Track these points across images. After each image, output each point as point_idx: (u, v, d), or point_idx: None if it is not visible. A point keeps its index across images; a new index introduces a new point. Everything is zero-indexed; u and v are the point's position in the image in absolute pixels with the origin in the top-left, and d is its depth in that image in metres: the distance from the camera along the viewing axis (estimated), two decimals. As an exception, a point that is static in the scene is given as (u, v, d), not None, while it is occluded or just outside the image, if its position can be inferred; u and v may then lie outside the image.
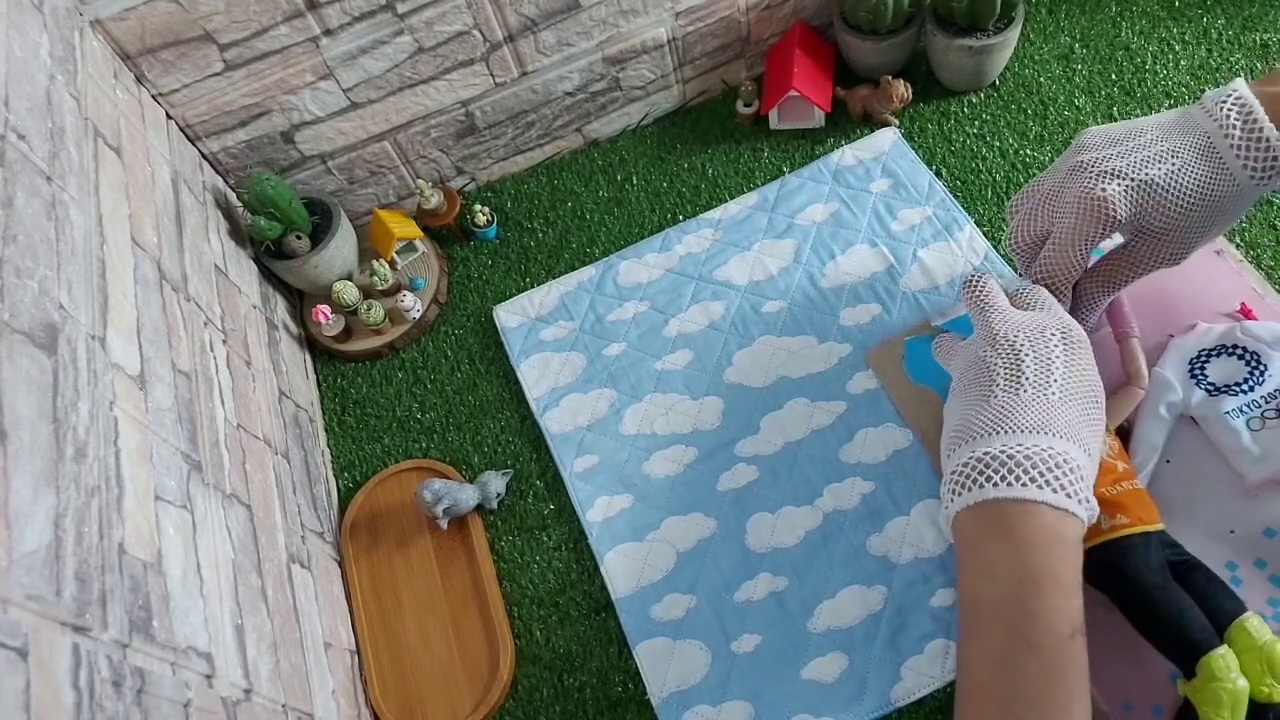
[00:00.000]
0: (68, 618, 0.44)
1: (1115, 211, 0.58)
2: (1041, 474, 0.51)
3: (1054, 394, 0.54)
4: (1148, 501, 0.61)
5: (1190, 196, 0.58)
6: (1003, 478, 0.51)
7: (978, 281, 0.61)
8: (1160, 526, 0.60)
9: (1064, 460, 0.52)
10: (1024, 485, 0.51)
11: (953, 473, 0.55)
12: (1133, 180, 0.58)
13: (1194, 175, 0.58)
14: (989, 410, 0.55)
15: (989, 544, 0.52)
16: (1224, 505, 0.63)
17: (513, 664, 0.72)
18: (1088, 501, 0.52)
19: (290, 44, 0.78)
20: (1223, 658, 0.54)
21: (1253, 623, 0.56)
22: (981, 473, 0.52)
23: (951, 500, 0.54)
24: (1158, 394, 0.67)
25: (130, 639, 0.48)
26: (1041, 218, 0.63)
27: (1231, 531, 0.62)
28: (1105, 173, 0.59)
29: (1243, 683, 0.54)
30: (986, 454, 0.53)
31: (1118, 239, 0.67)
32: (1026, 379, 0.55)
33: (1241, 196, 0.59)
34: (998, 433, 0.53)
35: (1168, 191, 0.58)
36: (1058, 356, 0.56)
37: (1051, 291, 0.63)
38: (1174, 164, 0.58)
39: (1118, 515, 0.59)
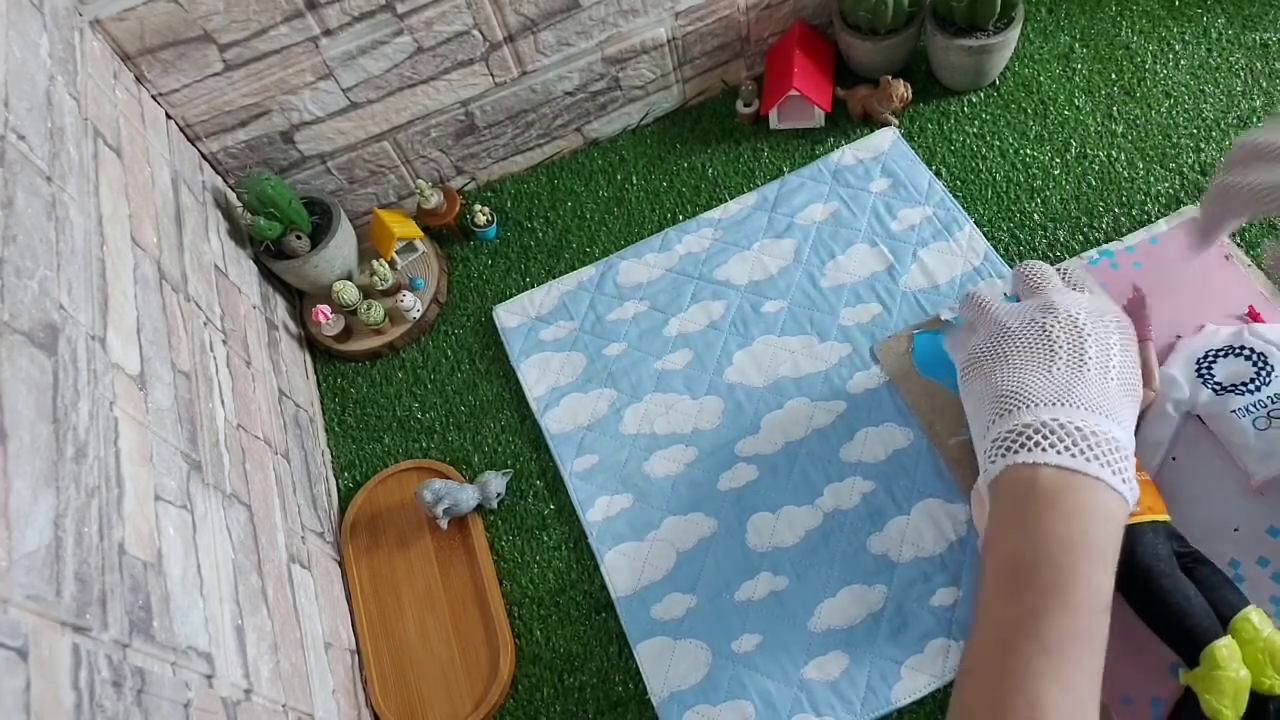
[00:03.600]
0: (68, 618, 0.44)
1: None
2: (1105, 453, 0.51)
3: (1113, 380, 0.54)
4: (1155, 492, 0.62)
5: None
6: (1066, 448, 0.51)
7: (1033, 265, 0.61)
8: (1168, 517, 0.61)
9: (1120, 445, 0.52)
10: (1087, 460, 0.51)
11: (1010, 431, 0.53)
12: None
13: None
14: (1052, 380, 0.54)
15: (1040, 506, 0.51)
16: (1228, 503, 0.64)
17: (513, 664, 0.72)
18: (1135, 490, 0.52)
19: (290, 44, 0.78)
20: (1226, 647, 0.55)
21: (1256, 616, 0.56)
22: (1045, 437, 0.52)
23: (1003, 455, 0.53)
24: (1165, 392, 0.67)
25: (130, 639, 0.48)
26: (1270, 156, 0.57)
27: (1235, 529, 0.63)
28: None
29: (1244, 673, 0.54)
30: (1054, 420, 0.52)
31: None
32: (1090, 358, 0.54)
33: None
34: (1062, 404, 0.53)
35: None
36: (1115, 344, 0.56)
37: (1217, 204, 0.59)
38: None
39: None
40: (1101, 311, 0.57)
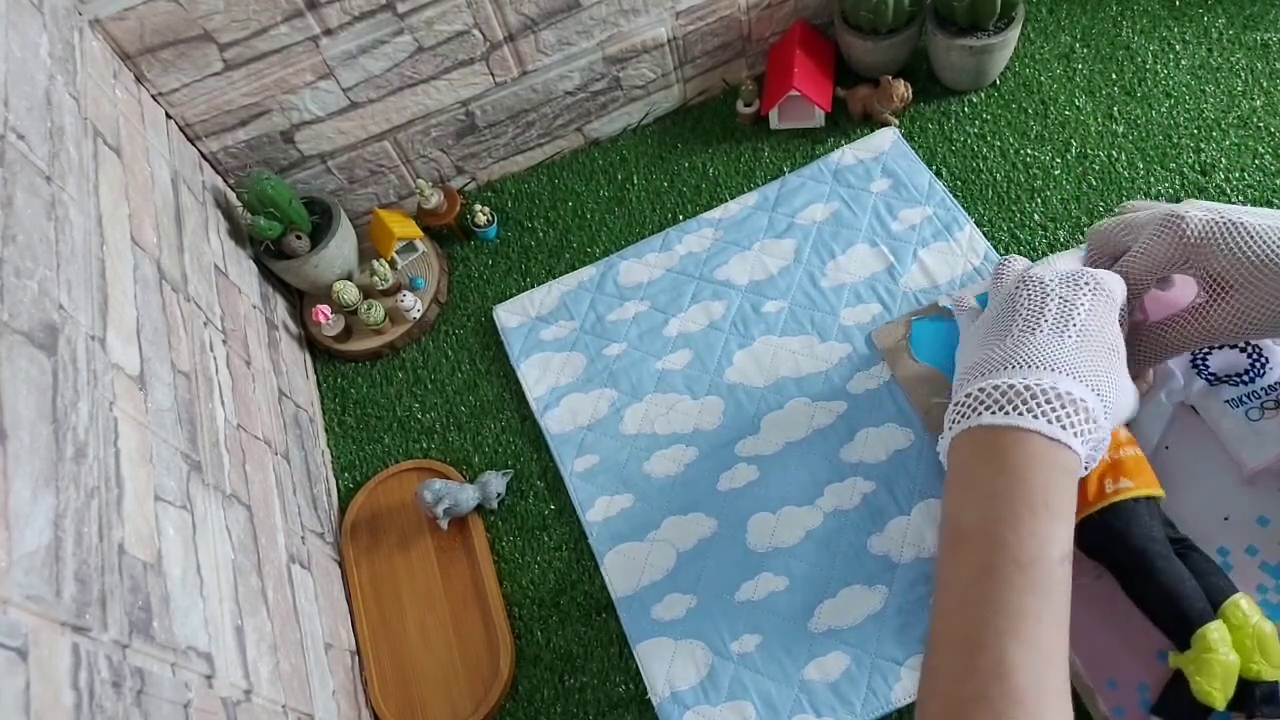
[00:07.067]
0: (68, 618, 0.44)
1: (1188, 230, 0.56)
2: (1039, 405, 0.51)
3: (1070, 337, 0.54)
4: (1149, 469, 0.62)
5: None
6: (1000, 407, 0.52)
7: (1012, 259, 0.62)
8: (1161, 493, 0.61)
9: (1065, 394, 0.51)
10: (1019, 414, 0.51)
11: (956, 404, 0.54)
12: (1220, 216, 0.56)
13: None
14: (1002, 348, 0.55)
15: (979, 468, 0.52)
16: (1220, 492, 0.64)
17: (513, 664, 0.72)
18: (1089, 438, 0.51)
19: (290, 43, 0.78)
20: (1218, 630, 0.56)
21: (1245, 602, 0.57)
22: (982, 403, 0.53)
23: (949, 428, 0.54)
24: (1159, 382, 0.67)
25: (130, 639, 0.48)
26: (1120, 236, 0.62)
27: (1225, 518, 0.63)
28: (1195, 205, 0.58)
29: (1234, 657, 0.55)
30: (993, 386, 0.53)
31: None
32: (1046, 320, 0.55)
33: None
34: (1005, 368, 0.53)
35: (1255, 237, 0.55)
36: (1083, 302, 0.55)
37: None
38: (1275, 219, 0.55)
39: (1122, 479, 0.60)
40: (1077, 274, 0.56)
